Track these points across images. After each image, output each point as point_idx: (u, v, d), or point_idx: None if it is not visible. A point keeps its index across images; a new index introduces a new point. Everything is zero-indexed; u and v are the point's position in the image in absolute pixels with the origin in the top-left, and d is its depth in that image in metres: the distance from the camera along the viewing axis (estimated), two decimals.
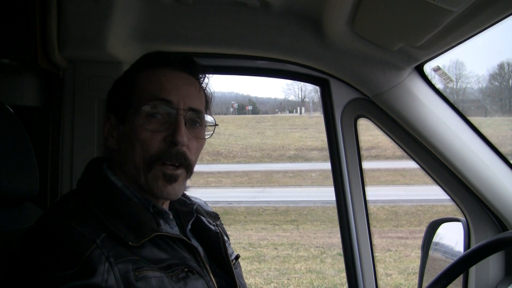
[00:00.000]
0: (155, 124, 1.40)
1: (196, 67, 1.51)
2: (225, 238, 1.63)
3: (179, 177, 1.42)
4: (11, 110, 1.63)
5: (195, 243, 1.51)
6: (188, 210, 1.58)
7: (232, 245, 1.71)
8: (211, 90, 1.56)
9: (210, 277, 1.43)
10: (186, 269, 1.35)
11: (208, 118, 1.51)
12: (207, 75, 1.54)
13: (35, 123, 2.08)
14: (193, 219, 1.58)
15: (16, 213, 1.56)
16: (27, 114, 2.06)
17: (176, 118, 1.40)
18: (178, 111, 1.41)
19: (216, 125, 1.53)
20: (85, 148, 2.03)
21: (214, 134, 1.53)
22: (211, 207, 1.72)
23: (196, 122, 1.46)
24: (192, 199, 1.65)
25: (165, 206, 1.51)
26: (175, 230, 1.46)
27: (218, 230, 1.59)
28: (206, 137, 1.51)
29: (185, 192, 1.58)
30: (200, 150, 1.50)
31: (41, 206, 1.74)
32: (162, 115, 1.40)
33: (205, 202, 1.74)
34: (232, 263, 1.57)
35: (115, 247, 1.26)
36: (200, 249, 1.51)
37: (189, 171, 1.45)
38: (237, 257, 1.66)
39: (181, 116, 1.41)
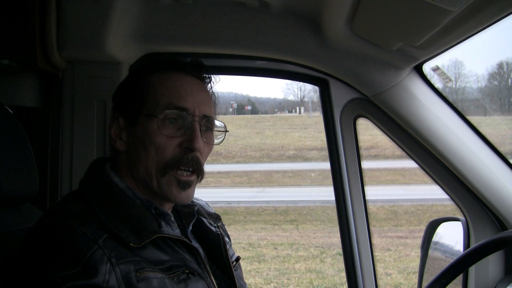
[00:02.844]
0: (171, 130, 1.40)
1: (207, 72, 1.52)
2: (226, 239, 1.63)
3: (192, 183, 1.44)
4: (11, 111, 1.63)
5: (196, 244, 1.52)
6: (189, 211, 1.59)
7: (232, 245, 1.71)
8: (216, 92, 1.57)
9: (211, 279, 1.43)
10: (187, 271, 1.36)
11: (218, 123, 1.52)
12: (213, 79, 1.55)
13: (34, 124, 2.08)
14: (194, 220, 1.58)
15: (15, 213, 1.57)
16: (26, 115, 2.06)
17: (192, 125, 1.41)
18: (193, 118, 1.42)
19: (226, 131, 1.54)
20: (85, 148, 2.03)
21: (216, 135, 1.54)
22: (213, 208, 1.72)
23: (208, 128, 1.48)
24: (194, 200, 1.64)
25: (167, 207, 1.51)
26: (176, 232, 1.46)
27: (219, 232, 1.59)
28: (217, 141, 1.53)
29: None
30: (209, 154, 1.51)
31: (40, 207, 1.75)
32: (178, 121, 1.41)
33: (206, 203, 1.74)
34: (232, 265, 1.57)
35: (117, 248, 1.26)
36: (200, 250, 1.51)
37: (200, 176, 1.46)
38: (238, 259, 1.66)
39: (197, 123, 1.42)
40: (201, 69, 1.51)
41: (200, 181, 1.48)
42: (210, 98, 1.50)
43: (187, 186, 1.42)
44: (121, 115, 1.48)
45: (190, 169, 1.42)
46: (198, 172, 1.44)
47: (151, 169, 1.40)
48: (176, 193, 1.41)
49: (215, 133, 1.52)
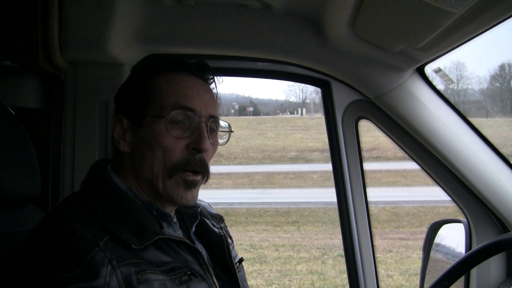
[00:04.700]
0: (179, 131, 1.40)
1: (211, 73, 1.52)
2: (229, 241, 1.63)
3: (198, 183, 1.44)
4: (13, 112, 1.64)
5: (199, 246, 1.52)
6: (192, 212, 1.58)
7: (234, 247, 1.71)
8: (219, 93, 1.57)
9: (213, 280, 1.43)
10: (189, 272, 1.35)
11: (222, 123, 1.52)
12: (217, 80, 1.55)
13: (36, 125, 2.08)
14: (197, 221, 1.57)
15: (17, 215, 1.57)
16: (28, 116, 2.07)
17: (199, 126, 1.41)
18: (200, 118, 1.42)
19: (231, 131, 1.54)
20: (87, 150, 2.04)
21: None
22: (215, 209, 1.72)
23: (213, 129, 1.48)
24: (197, 201, 1.64)
25: (169, 209, 1.51)
26: (178, 233, 1.46)
27: (222, 233, 1.59)
28: (222, 142, 1.52)
29: None
30: (213, 155, 1.51)
31: (42, 208, 1.75)
32: (185, 122, 1.41)
33: (209, 204, 1.74)
34: (235, 266, 1.56)
35: (118, 250, 1.26)
36: (204, 252, 1.51)
37: (206, 176, 1.46)
38: (241, 260, 1.66)
39: (203, 123, 1.42)
40: (206, 70, 1.51)
41: (205, 182, 1.48)
42: (215, 99, 1.51)
43: (193, 186, 1.42)
44: (125, 116, 1.47)
45: (197, 170, 1.41)
46: (204, 173, 1.44)
47: (158, 171, 1.40)
48: (182, 193, 1.41)
49: (219, 133, 1.52)
